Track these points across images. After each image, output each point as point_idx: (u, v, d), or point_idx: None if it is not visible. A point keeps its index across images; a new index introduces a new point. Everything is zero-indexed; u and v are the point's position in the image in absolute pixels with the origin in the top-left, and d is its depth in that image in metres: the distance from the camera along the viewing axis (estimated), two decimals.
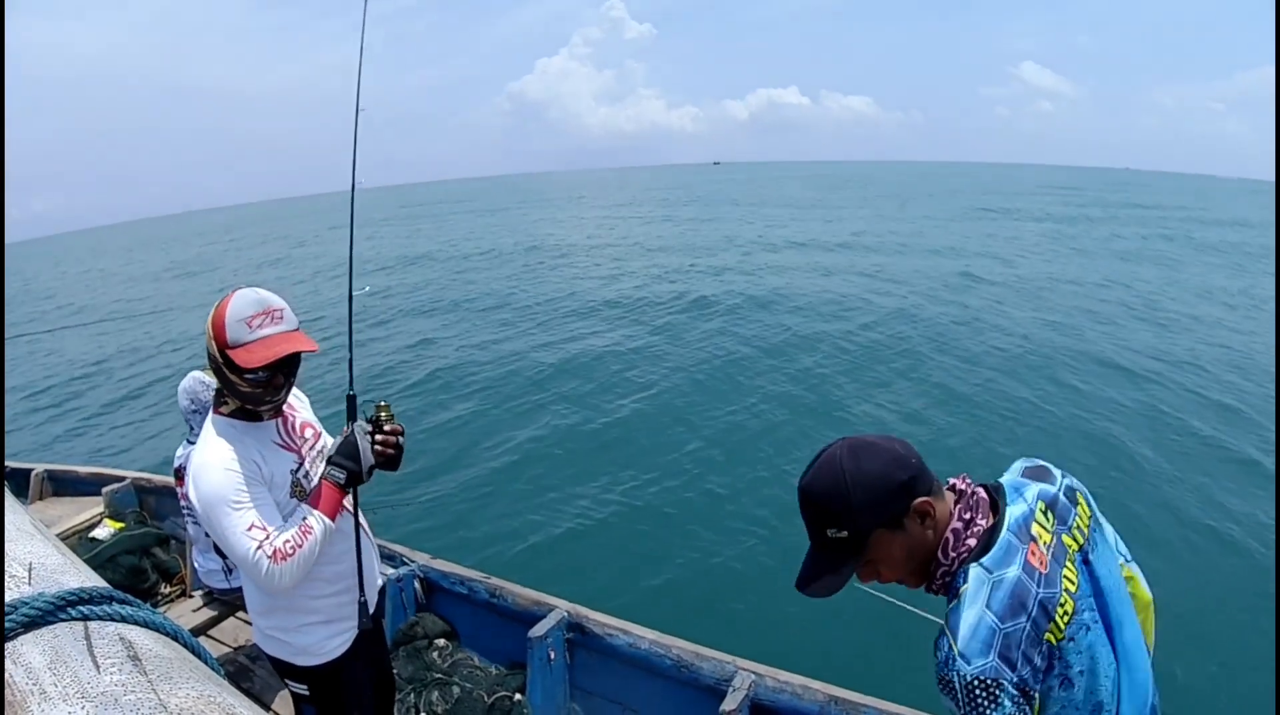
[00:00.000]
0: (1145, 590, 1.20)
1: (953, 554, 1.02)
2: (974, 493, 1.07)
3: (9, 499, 1.14)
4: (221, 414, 1.61)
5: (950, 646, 0.94)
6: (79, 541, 3.61)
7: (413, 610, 3.03)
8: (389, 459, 1.66)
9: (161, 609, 2.93)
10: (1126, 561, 1.19)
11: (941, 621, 1.00)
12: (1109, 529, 1.18)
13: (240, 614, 3.06)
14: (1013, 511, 1.03)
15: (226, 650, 3.04)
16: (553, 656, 2.61)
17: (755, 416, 7.54)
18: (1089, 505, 1.12)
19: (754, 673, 2.33)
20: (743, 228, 26.20)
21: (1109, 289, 13.64)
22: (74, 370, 12.49)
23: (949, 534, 1.03)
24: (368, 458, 1.62)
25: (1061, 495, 1.09)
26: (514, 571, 3.16)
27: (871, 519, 1.00)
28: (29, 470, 4.52)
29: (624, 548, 5.17)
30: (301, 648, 1.71)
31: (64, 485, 4.53)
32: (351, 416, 1.70)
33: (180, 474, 2.62)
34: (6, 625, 0.73)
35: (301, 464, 1.68)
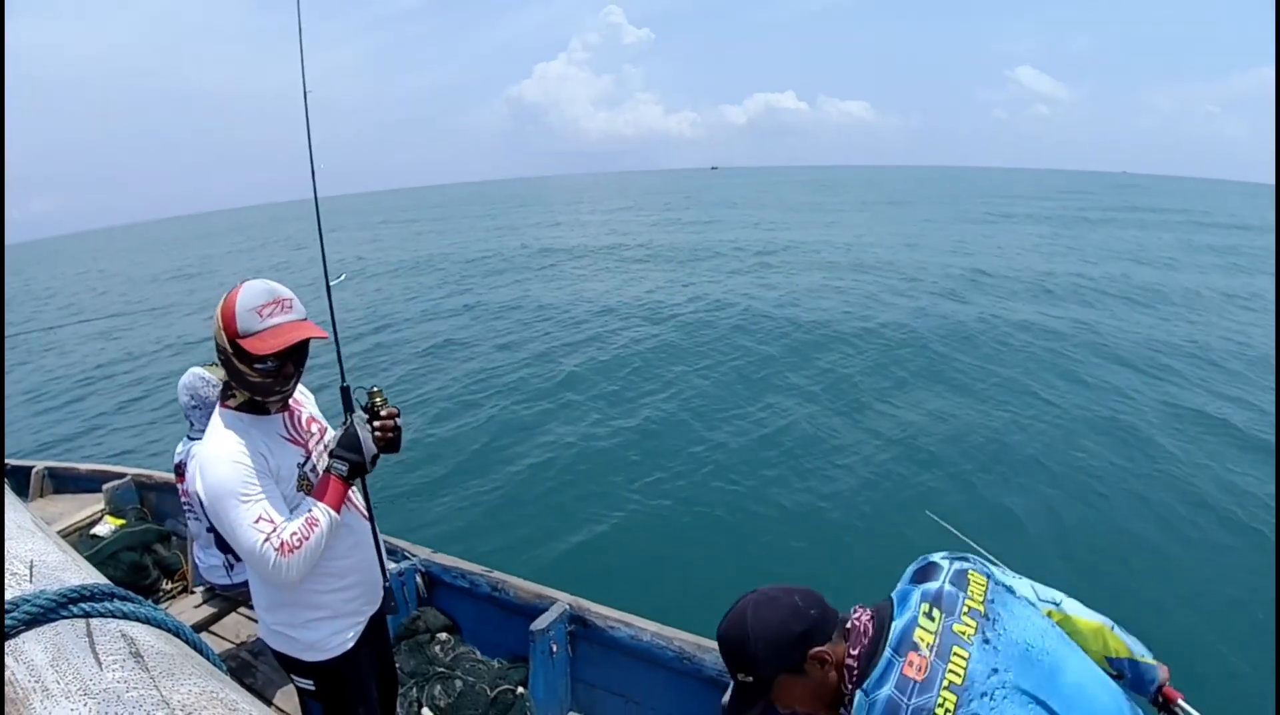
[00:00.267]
0: (1089, 619, 1.27)
1: (849, 685, 1.12)
2: (862, 627, 1.15)
3: (9, 497, 1.13)
4: (229, 407, 1.60)
5: None
6: (80, 538, 3.61)
7: (414, 604, 3.03)
8: (389, 442, 1.68)
9: (163, 605, 2.93)
10: (1054, 605, 1.26)
11: None
12: (1021, 586, 1.24)
13: (242, 610, 3.06)
14: (896, 625, 1.11)
15: (228, 646, 3.05)
16: (555, 649, 2.61)
17: (757, 413, 7.55)
18: (986, 578, 1.18)
19: None
20: (745, 232, 26.24)
21: (1114, 286, 13.76)
22: (75, 372, 12.48)
23: (844, 670, 1.13)
24: (369, 447, 1.63)
25: (947, 586, 1.15)
26: (515, 565, 3.16)
27: (773, 667, 1.12)
28: (29, 467, 4.52)
29: (625, 540, 5.19)
30: (309, 643, 1.71)
31: (64, 482, 4.53)
32: (348, 407, 1.70)
33: (181, 470, 2.62)
34: (8, 623, 0.73)
35: (308, 458, 1.68)
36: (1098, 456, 6.20)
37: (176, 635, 0.82)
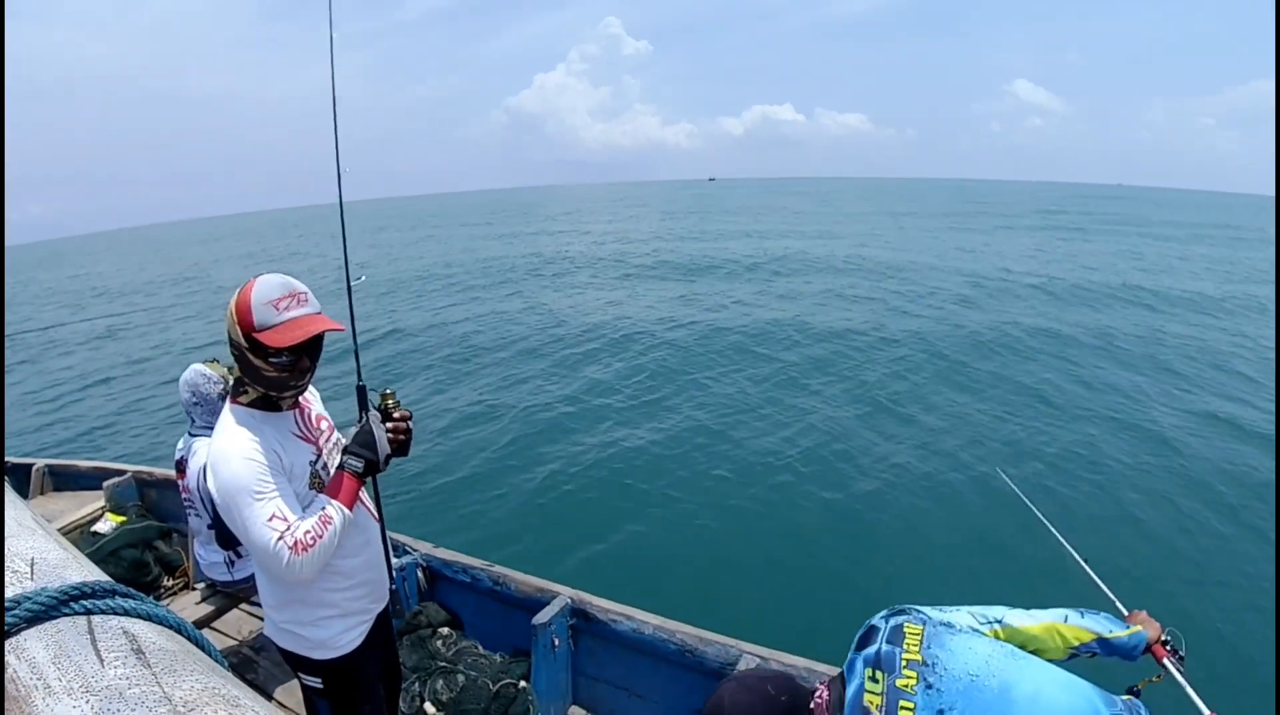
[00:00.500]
0: (1034, 623, 1.31)
1: None
2: (823, 704, 1.19)
3: (10, 494, 1.13)
4: (240, 403, 1.58)
5: None
6: (81, 536, 3.61)
7: (415, 599, 3.04)
8: (400, 445, 1.68)
9: (164, 602, 2.93)
10: (998, 623, 1.30)
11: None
12: (959, 618, 1.28)
13: (243, 606, 3.06)
14: (848, 694, 1.17)
15: (230, 642, 3.05)
16: (556, 643, 2.62)
17: (759, 414, 7.57)
18: (921, 625, 1.23)
19: (758, 656, 2.34)
20: (751, 241, 26.29)
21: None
22: (72, 374, 12.48)
23: None
24: (384, 447, 1.62)
25: (884, 646, 1.20)
26: (516, 559, 3.17)
27: None
28: (30, 465, 4.52)
29: (627, 534, 5.20)
30: (318, 641, 1.70)
31: (65, 480, 4.53)
32: (363, 406, 1.70)
33: (182, 466, 2.62)
34: (10, 620, 0.72)
35: (320, 456, 1.67)
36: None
37: (178, 632, 0.82)
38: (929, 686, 1.12)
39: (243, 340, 1.47)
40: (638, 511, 5.48)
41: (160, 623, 0.81)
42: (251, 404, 1.58)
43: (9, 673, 0.68)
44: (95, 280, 33.50)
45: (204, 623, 2.84)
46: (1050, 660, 1.23)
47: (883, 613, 1.29)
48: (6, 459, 4.69)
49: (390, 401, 1.69)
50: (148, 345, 14.19)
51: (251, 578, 2.77)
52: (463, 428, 7.53)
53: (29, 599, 0.75)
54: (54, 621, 0.75)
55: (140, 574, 3.39)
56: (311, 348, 1.53)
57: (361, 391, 1.73)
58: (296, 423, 1.66)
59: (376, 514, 1.79)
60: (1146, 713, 1.17)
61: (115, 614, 0.79)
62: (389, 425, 1.65)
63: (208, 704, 0.66)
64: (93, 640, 0.73)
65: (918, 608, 1.29)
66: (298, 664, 1.76)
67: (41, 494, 4.44)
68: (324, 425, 1.75)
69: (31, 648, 0.71)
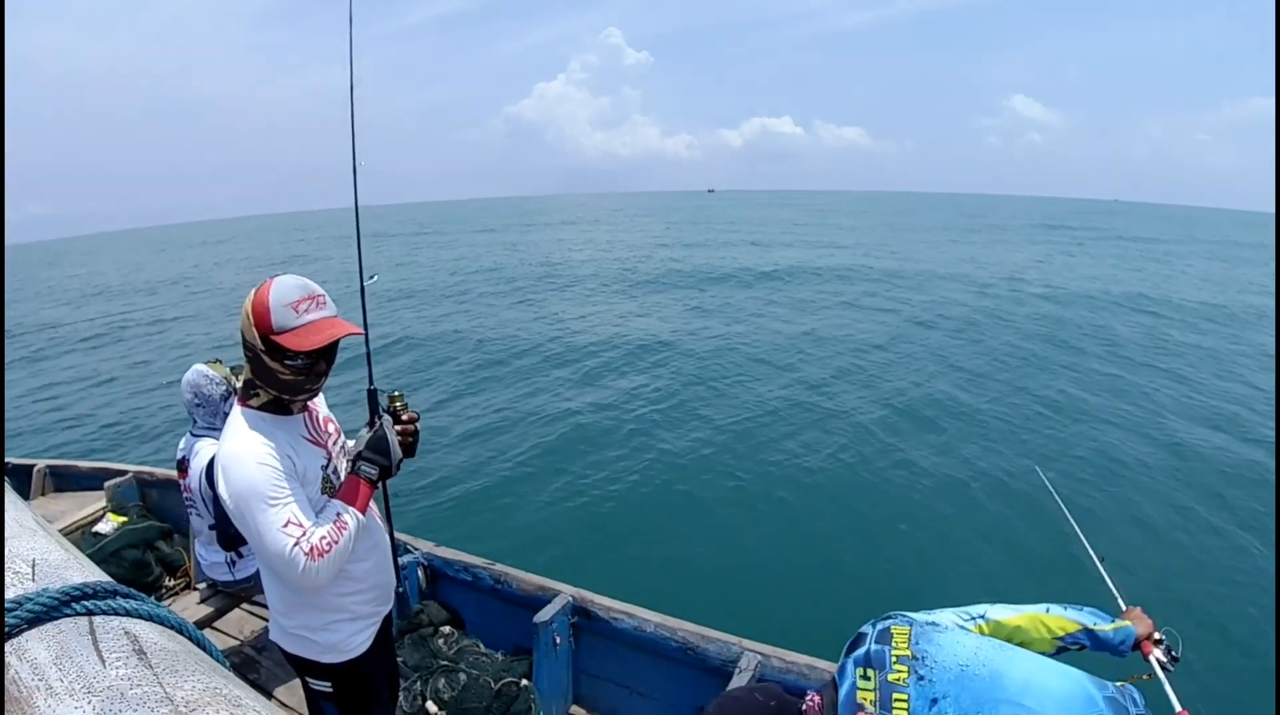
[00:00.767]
0: (1017, 615, 1.34)
1: None
2: (814, 708, 1.20)
3: (11, 495, 1.13)
4: (250, 406, 1.55)
5: None
6: (82, 536, 3.61)
7: (416, 598, 3.04)
8: (407, 447, 1.67)
9: (166, 602, 2.94)
10: (981, 619, 1.32)
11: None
12: (944, 617, 1.30)
13: (245, 606, 3.07)
14: (841, 694, 1.17)
15: (232, 642, 3.06)
16: (558, 641, 2.62)
17: (760, 411, 7.59)
18: (908, 626, 1.25)
19: (760, 653, 2.34)
20: (755, 253, 26.28)
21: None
22: (74, 373, 12.47)
23: None
24: (397, 452, 1.61)
25: (873, 646, 1.22)
26: (518, 558, 3.17)
27: None
28: (30, 466, 4.51)
29: (628, 532, 5.20)
30: (328, 645, 1.69)
31: (66, 480, 4.52)
32: (374, 410, 1.68)
33: (184, 465, 2.62)
34: (11, 622, 0.72)
35: (330, 460, 1.65)
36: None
37: (179, 632, 0.82)
38: (920, 678, 1.13)
39: (259, 342, 1.44)
40: (650, 514, 5.49)
41: (162, 623, 0.81)
42: (262, 407, 1.55)
43: (10, 674, 0.68)
44: (96, 279, 33.46)
45: (205, 623, 2.85)
46: (1038, 652, 1.25)
47: (869, 621, 1.31)
48: (7, 460, 4.69)
49: (399, 403, 1.68)
50: (148, 346, 14.19)
51: (252, 577, 2.77)
52: (466, 432, 7.53)
53: (30, 600, 0.75)
54: (55, 622, 0.75)
55: (141, 574, 3.39)
56: (328, 351, 1.51)
57: (373, 395, 1.72)
58: (307, 426, 1.63)
59: (382, 516, 1.78)
60: (1140, 698, 1.17)
61: (117, 615, 0.79)
62: (398, 427, 1.64)
63: (209, 704, 0.65)
64: (94, 641, 0.73)
65: (903, 612, 1.31)
66: (306, 668, 1.74)
67: (42, 495, 4.43)
68: (331, 428, 1.73)
69: (33, 649, 0.71)
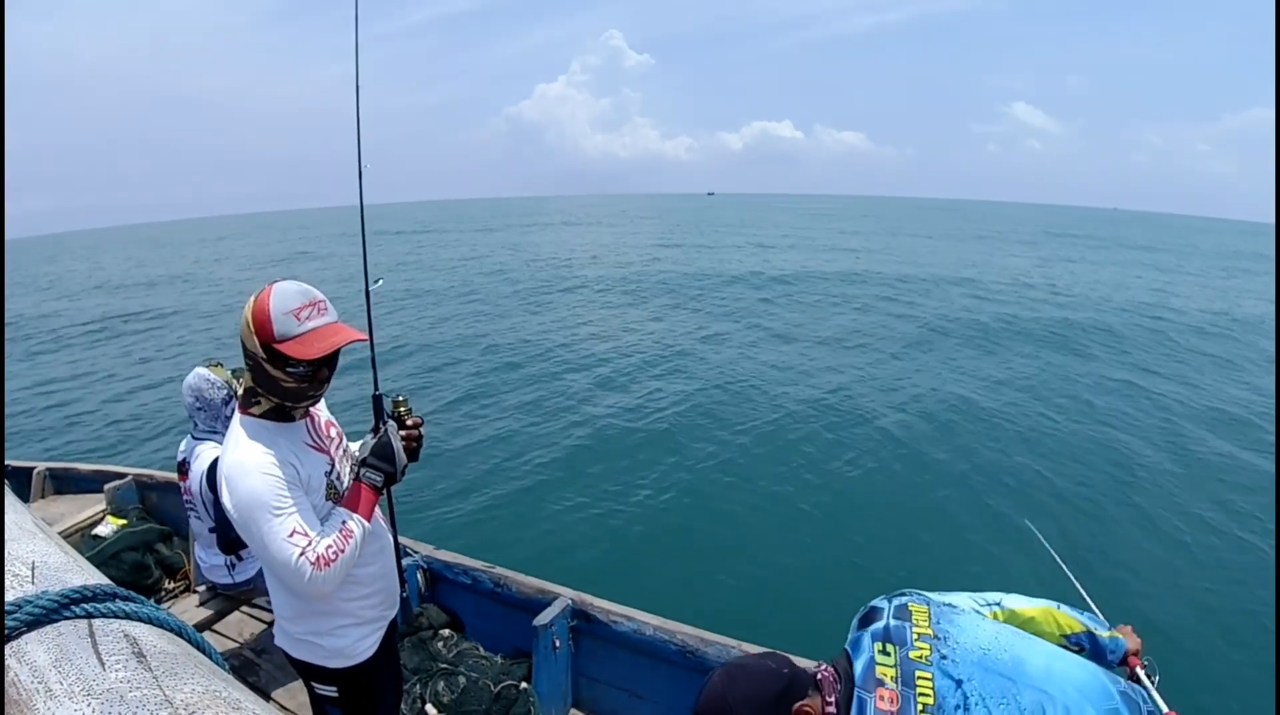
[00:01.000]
0: (1032, 605, 1.34)
1: None
2: (830, 678, 1.19)
3: (10, 498, 1.13)
4: (252, 415, 1.53)
5: None
6: (82, 539, 3.60)
7: (416, 601, 3.03)
8: (411, 452, 1.66)
9: (165, 605, 2.93)
10: (997, 606, 1.33)
11: None
12: (960, 600, 1.31)
13: (245, 608, 3.06)
14: (856, 668, 1.17)
15: (231, 645, 3.05)
16: (558, 644, 2.61)
17: (766, 420, 7.58)
18: (926, 605, 1.25)
19: None
20: (758, 256, 26.34)
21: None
22: (74, 372, 12.47)
23: None
24: (402, 458, 1.60)
25: (890, 622, 1.22)
26: (517, 561, 3.17)
27: None
28: (30, 469, 4.51)
29: (627, 535, 5.20)
30: (335, 650, 1.68)
31: (65, 483, 4.52)
32: (379, 416, 1.68)
33: (184, 467, 2.62)
34: (11, 624, 0.73)
35: (333, 466, 1.63)
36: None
37: (179, 635, 0.82)
38: (943, 658, 1.13)
39: (260, 351, 1.42)
40: (664, 523, 5.48)
41: (161, 626, 0.81)
42: (264, 415, 1.53)
43: (10, 676, 0.68)
44: (97, 274, 33.39)
45: (205, 625, 2.84)
46: None
47: (882, 596, 1.31)
48: (7, 462, 4.69)
49: (403, 408, 1.67)
50: (148, 345, 14.18)
51: (252, 580, 2.77)
52: (469, 438, 7.53)
53: (30, 602, 0.75)
54: (55, 625, 0.75)
55: (141, 577, 3.39)
56: (331, 358, 1.49)
57: (378, 401, 1.71)
58: (309, 432, 1.62)
59: (386, 520, 1.78)
60: (1145, 696, 1.18)
61: (116, 617, 0.79)
62: (402, 433, 1.63)
63: (209, 707, 0.66)
64: (94, 643, 0.73)
65: (917, 590, 1.31)
66: (312, 673, 1.73)
67: (42, 497, 4.43)
68: (333, 432, 1.71)
69: (32, 651, 0.71)
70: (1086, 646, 1.34)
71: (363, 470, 1.59)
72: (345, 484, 1.64)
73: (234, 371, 2.51)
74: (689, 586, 4.49)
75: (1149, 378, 9.15)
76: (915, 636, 1.17)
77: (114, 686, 0.66)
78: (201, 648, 0.83)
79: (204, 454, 2.48)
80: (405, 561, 3.02)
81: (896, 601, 1.26)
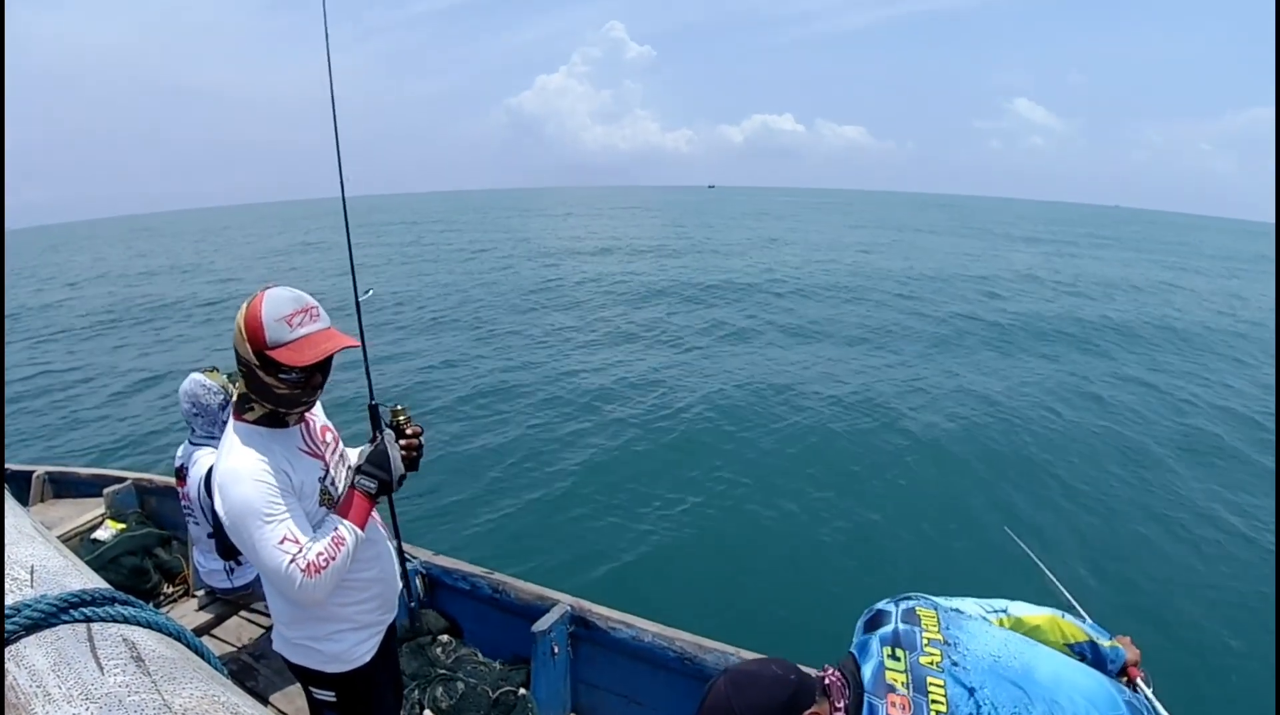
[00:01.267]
0: (1038, 614, 1.33)
1: None
2: (837, 683, 1.17)
3: (10, 502, 1.13)
4: (246, 421, 1.54)
5: None
6: (81, 543, 3.60)
7: (415, 606, 3.03)
8: (411, 462, 1.66)
9: (164, 609, 2.92)
10: (1004, 613, 1.32)
11: None
12: (967, 605, 1.30)
13: (243, 613, 3.06)
14: (866, 672, 1.14)
15: (230, 649, 3.04)
16: (556, 651, 2.61)
17: (768, 422, 7.57)
18: (934, 610, 1.23)
19: None
20: (762, 255, 26.26)
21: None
22: (75, 372, 12.45)
23: None
24: (398, 467, 1.60)
25: (899, 626, 1.20)
26: (516, 567, 3.17)
27: None
28: (30, 472, 4.51)
29: (626, 541, 5.18)
30: (333, 655, 1.68)
31: (65, 487, 4.52)
32: (376, 425, 1.68)
33: (182, 473, 2.62)
34: (9, 628, 0.73)
35: (328, 471, 1.64)
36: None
37: (178, 639, 0.82)
38: (954, 664, 1.11)
39: (253, 357, 1.43)
40: (645, 520, 5.47)
41: (160, 630, 0.81)
42: (258, 421, 1.54)
43: (9, 680, 0.68)
44: (99, 266, 33.20)
45: (204, 630, 2.84)
46: None
47: (887, 599, 1.29)
48: (6, 466, 4.68)
49: (402, 417, 1.67)
50: (149, 343, 14.16)
51: (251, 584, 2.77)
52: (472, 444, 7.51)
53: (29, 606, 0.75)
54: (54, 629, 0.75)
55: (140, 581, 3.38)
56: (324, 363, 1.50)
57: (374, 410, 1.71)
58: (303, 438, 1.62)
59: (387, 524, 1.77)
60: (1149, 708, 1.18)
61: (115, 621, 0.79)
62: (401, 442, 1.63)
63: (207, 711, 0.66)
64: (92, 648, 0.73)
65: (924, 594, 1.30)
66: (310, 678, 1.73)
67: (41, 501, 4.43)
68: (329, 437, 1.71)
69: (31, 655, 0.71)
70: (1089, 656, 1.34)
71: (357, 477, 1.59)
72: (341, 490, 1.64)
73: (229, 376, 2.52)
74: (688, 593, 4.48)
75: (1164, 376, 9.16)
76: (925, 641, 1.15)
77: (112, 691, 0.66)
78: (200, 652, 0.83)
79: (201, 460, 2.48)
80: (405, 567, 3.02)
81: (904, 605, 1.25)
